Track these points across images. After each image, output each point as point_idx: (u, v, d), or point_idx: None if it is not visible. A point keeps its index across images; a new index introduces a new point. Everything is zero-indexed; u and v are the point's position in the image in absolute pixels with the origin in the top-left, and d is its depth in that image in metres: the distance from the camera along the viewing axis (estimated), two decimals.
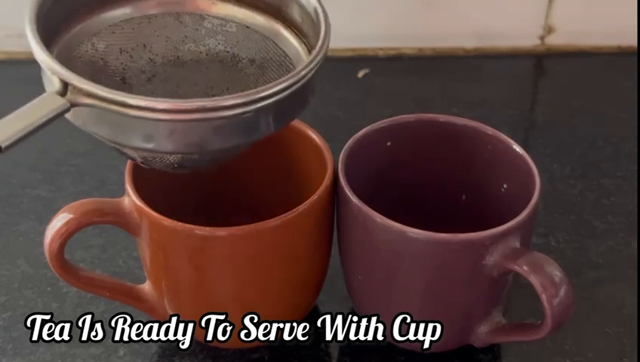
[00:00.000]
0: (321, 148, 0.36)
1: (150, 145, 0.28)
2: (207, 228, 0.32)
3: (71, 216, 0.33)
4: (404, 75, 0.61)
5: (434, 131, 0.39)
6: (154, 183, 0.35)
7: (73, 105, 0.25)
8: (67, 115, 0.28)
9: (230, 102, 0.27)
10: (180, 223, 0.32)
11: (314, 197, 0.33)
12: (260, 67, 0.35)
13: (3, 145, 0.21)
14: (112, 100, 0.26)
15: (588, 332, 0.39)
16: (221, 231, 0.32)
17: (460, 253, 0.32)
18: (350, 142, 0.37)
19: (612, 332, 0.39)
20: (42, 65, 0.27)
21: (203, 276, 0.34)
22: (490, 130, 0.38)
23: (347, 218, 0.34)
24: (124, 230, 0.34)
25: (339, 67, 0.60)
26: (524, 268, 0.31)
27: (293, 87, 0.29)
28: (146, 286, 0.37)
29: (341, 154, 0.36)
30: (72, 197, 0.41)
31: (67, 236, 0.33)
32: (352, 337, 0.39)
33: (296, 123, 0.38)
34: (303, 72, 0.29)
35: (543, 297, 0.31)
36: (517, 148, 0.37)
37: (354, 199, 0.33)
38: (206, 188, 0.41)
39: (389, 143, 0.39)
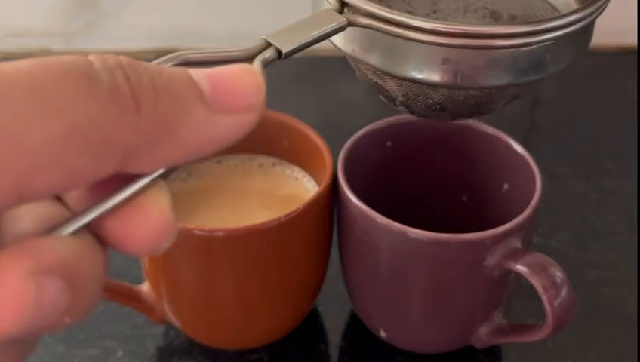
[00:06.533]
0: (321, 148, 0.36)
1: (420, 76, 0.27)
2: (207, 229, 0.31)
3: None
4: None
5: (434, 131, 0.39)
6: None
7: (350, 24, 0.25)
8: (339, 43, 0.28)
9: (521, 30, 0.26)
10: (178, 224, 0.31)
11: (314, 197, 0.33)
12: None
13: (284, 51, 0.21)
14: (391, 20, 0.25)
15: (589, 333, 0.39)
16: (220, 232, 0.32)
17: (461, 253, 0.32)
18: (350, 142, 0.36)
19: (614, 333, 0.39)
20: None
21: (202, 276, 0.34)
22: (490, 129, 0.38)
23: (347, 218, 0.34)
24: None
25: (339, 67, 0.60)
26: (525, 268, 0.31)
27: (582, 22, 0.27)
28: (145, 287, 0.37)
29: (341, 154, 0.35)
30: None
31: None
32: (352, 337, 0.39)
33: (297, 123, 0.38)
34: (591, 8, 0.27)
35: (545, 298, 0.30)
36: (518, 147, 0.36)
37: (354, 199, 0.33)
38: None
39: (389, 143, 0.39)
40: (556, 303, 0.31)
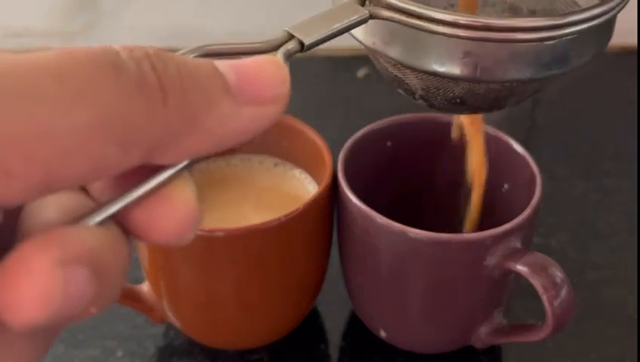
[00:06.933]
0: (321, 148, 0.36)
1: (442, 69, 0.27)
2: (206, 229, 0.31)
3: None
4: None
5: (434, 131, 0.38)
6: None
7: (372, 16, 0.25)
8: (359, 36, 0.28)
9: (543, 23, 0.25)
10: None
11: (314, 197, 0.33)
12: None
13: (306, 43, 0.21)
14: (413, 13, 0.25)
15: (589, 333, 0.39)
16: (220, 232, 0.32)
17: (461, 253, 0.32)
18: (350, 142, 0.36)
19: (614, 333, 0.39)
20: None
21: (202, 276, 0.34)
22: (490, 129, 0.37)
23: (347, 218, 0.34)
24: None
25: (339, 67, 0.60)
26: (526, 268, 0.31)
27: (605, 16, 0.27)
28: (145, 287, 0.37)
29: (341, 154, 0.35)
30: None
31: None
32: (352, 337, 0.39)
33: (296, 123, 0.38)
34: (614, 2, 0.27)
35: (545, 298, 0.30)
36: (518, 148, 0.36)
37: (354, 199, 0.33)
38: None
39: (389, 143, 0.39)
40: (556, 303, 0.31)
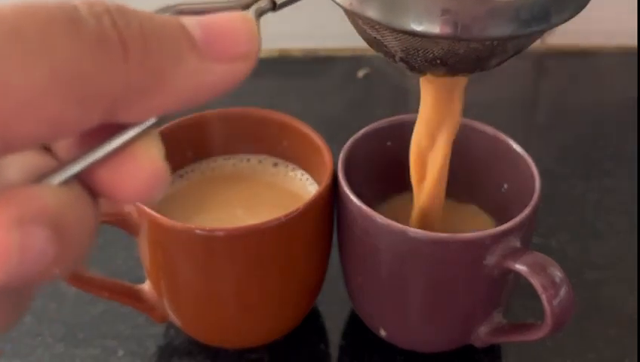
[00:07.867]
0: (321, 148, 0.36)
1: (420, 28, 0.27)
2: (207, 228, 0.31)
3: None
4: (404, 75, 0.61)
5: None
6: None
7: None
8: None
9: None
10: (179, 223, 0.31)
11: (314, 197, 0.33)
12: None
13: (278, 2, 0.21)
14: None
15: (589, 332, 0.39)
16: (220, 232, 0.32)
17: (460, 252, 0.32)
18: (350, 142, 0.37)
19: (613, 333, 0.39)
20: None
21: (202, 276, 0.34)
22: (490, 130, 0.38)
23: (347, 218, 0.34)
24: (124, 230, 0.34)
25: (339, 67, 0.60)
26: (525, 268, 0.31)
27: None
28: (146, 287, 0.37)
29: (341, 154, 0.35)
30: None
31: None
32: (352, 336, 0.39)
33: (297, 123, 0.38)
34: None
35: (544, 298, 0.31)
36: (517, 148, 0.36)
37: (354, 199, 0.33)
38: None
39: (389, 143, 0.39)
40: (555, 302, 0.31)
